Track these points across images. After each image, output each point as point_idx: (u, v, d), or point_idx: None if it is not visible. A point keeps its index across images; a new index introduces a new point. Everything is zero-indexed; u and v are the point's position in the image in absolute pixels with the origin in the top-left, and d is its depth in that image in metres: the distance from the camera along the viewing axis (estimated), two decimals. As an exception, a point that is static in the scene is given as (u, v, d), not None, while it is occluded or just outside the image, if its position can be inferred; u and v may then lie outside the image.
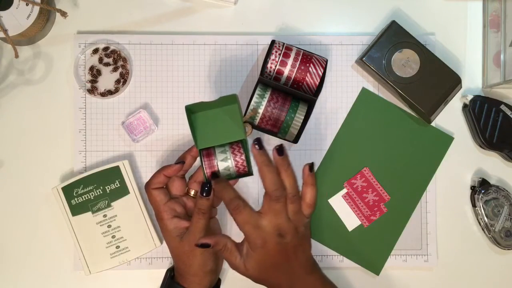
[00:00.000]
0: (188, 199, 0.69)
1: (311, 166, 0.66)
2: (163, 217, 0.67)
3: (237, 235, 0.75)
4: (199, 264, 0.66)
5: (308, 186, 0.66)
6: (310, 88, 0.72)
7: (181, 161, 0.68)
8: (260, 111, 0.70)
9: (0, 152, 0.75)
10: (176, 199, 0.69)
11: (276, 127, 0.71)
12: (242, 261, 0.65)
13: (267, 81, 0.71)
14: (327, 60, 0.73)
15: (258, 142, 0.64)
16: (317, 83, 0.72)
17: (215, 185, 0.65)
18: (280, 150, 0.64)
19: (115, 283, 0.75)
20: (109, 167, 0.73)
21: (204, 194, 0.65)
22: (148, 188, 0.68)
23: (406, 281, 0.75)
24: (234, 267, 0.66)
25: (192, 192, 0.69)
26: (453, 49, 0.77)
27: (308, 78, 0.71)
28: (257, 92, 0.71)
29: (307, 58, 0.72)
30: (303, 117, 0.71)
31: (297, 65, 0.71)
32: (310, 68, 0.71)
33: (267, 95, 0.71)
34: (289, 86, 0.72)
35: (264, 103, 0.70)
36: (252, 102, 0.70)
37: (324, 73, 0.72)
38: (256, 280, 0.66)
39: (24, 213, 0.75)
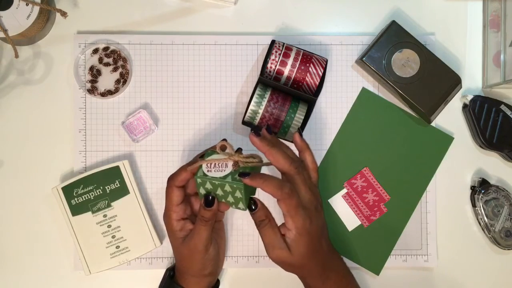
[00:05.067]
0: (196, 200, 0.69)
1: (299, 132, 0.67)
2: (172, 216, 0.66)
3: (236, 236, 0.75)
4: (198, 268, 0.66)
5: (305, 152, 0.66)
6: (310, 88, 0.72)
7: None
8: (260, 111, 0.70)
9: (0, 152, 0.75)
10: (186, 199, 0.68)
11: (276, 127, 0.71)
12: (284, 246, 0.63)
13: (267, 81, 0.71)
14: (327, 60, 0.73)
15: (255, 130, 0.63)
16: (317, 83, 0.72)
17: (252, 181, 0.61)
18: (267, 130, 0.65)
19: (115, 283, 0.75)
20: (109, 167, 0.73)
21: (207, 206, 0.64)
22: (171, 183, 0.66)
23: (406, 281, 0.75)
24: (272, 248, 0.63)
25: None
26: (453, 49, 0.77)
27: (308, 78, 0.72)
28: (257, 92, 0.71)
29: (307, 58, 0.72)
30: (303, 117, 0.71)
31: (297, 65, 0.71)
32: (310, 68, 0.71)
33: (267, 95, 0.70)
34: (289, 86, 0.72)
35: (264, 103, 0.70)
36: (252, 102, 0.70)
37: (324, 73, 0.72)
38: (296, 266, 0.64)
39: (24, 213, 0.75)
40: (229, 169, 0.62)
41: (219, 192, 0.63)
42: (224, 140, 0.65)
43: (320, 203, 0.66)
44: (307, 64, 0.71)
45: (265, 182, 0.61)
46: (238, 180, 0.61)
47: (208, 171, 0.63)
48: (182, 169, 0.65)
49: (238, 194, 0.63)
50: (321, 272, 0.65)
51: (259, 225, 0.64)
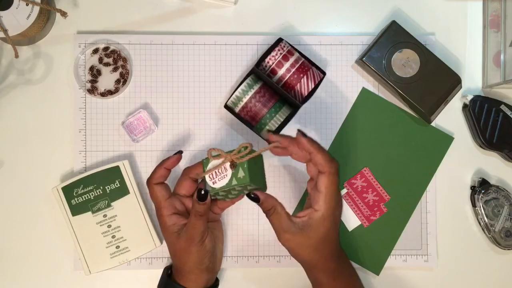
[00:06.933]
0: (190, 200, 0.69)
1: (303, 133, 0.64)
2: (163, 213, 0.67)
3: (236, 236, 0.75)
4: (194, 262, 0.66)
5: (319, 154, 0.63)
6: (297, 97, 0.72)
7: (179, 151, 0.68)
8: (244, 99, 0.70)
9: (0, 152, 0.75)
10: (177, 196, 0.68)
11: (254, 121, 0.71)
12: (296, 230, 0.63)
13: (261, 73, 0.71)
14: (324, 75, 0.73)
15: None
16: (305, 95, 0.71)
17: (309, 145, 0.62)
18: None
19: (115, 283, 0.75)
20: (109, 167, 0.73)
21: (200, 200, 0.64)
22: (150, 183, 0.67)
23: (406, 281, 0.75)
24: (283, 232, 0.64)
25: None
26: (453, 49, 0.77)
27: (297, 87, 0.71)
28: (247, 81, 0.70)
29: (304, 68, 0.71)
30: (282, 120, 0.70)
31: (292, 71, 0.71)
32: (302, 80, 0.71)
33: (256, 87, 0.70)
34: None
35: (251, 93, 0.70)
36: (239, 89, 0.70)
37: (318, 85, 0.72)
38: (310, 249, 0.64)
39: (24, 213, 0.75)
40: (229, 171, 0.63)
41: (232, 194, 0.66)
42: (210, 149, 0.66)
43: None
44: (301, 75, 0.71)
45: (319, 151, 0.62)
46: (243, 178, 0.63)
47: (214, 183, 0.64)
48: (156, 168, 0.67)
49: (249, 188, 0.64)
50: (335, 268, 0.66)
51: (267, 214, 0.65)
